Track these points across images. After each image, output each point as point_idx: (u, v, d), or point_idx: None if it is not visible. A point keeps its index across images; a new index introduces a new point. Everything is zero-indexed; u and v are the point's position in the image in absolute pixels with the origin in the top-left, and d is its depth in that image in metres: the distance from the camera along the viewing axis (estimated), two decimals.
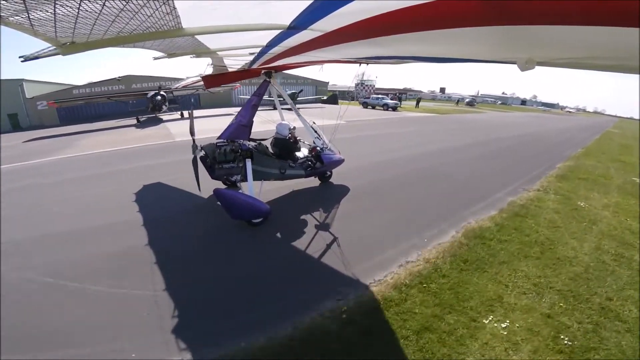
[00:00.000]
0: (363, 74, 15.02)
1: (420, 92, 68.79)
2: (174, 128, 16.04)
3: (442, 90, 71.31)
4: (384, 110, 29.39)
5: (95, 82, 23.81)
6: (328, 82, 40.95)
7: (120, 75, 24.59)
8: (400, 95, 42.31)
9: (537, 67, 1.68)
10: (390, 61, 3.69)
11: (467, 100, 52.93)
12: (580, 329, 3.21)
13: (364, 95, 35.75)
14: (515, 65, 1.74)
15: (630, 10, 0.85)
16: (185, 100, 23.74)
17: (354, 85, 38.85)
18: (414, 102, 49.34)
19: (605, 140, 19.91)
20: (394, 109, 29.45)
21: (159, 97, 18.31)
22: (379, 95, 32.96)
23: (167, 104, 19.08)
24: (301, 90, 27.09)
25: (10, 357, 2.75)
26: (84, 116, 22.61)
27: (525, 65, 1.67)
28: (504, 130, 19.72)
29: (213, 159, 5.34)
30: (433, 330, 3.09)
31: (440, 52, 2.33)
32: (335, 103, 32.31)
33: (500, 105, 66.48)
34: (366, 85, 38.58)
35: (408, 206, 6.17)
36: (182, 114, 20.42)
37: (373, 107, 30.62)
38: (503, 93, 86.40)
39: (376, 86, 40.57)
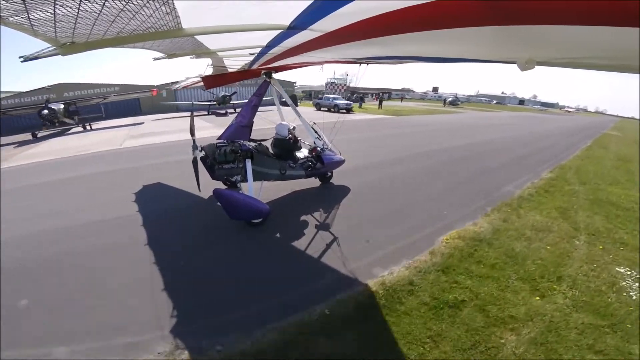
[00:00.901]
0: (334, 73, 14.52)
1: (411, 91, 68.30)
2: (44, 146, 13.28)
3: (435, 89, 70.59)
4: (333, 112, 24.72)
5: (23, 92, 21.57)
6: (295, 82, 37.05)
7: (50, 84, 22.25)
8: (363, 95, 38.45)
9: (538, 67, 1.68)
10: (390, 61, 3.69)
11: (449, 99, 50.49)
12: None
13: (318, 96, 32.26)
14: (516, 65, 1.74)
15: (630, 10, 0.85)
16: (94, 110, 20.36)
17: (324, 84, 35.59)
18: (397, 101, 47.20)
19: (597, 150, 14.50)
20: (348, 110, 25.59)
21: (45, 112, 16.24)
22: (331, 96, 29.22)
23: (58, 117, 16.67)
24: (234, 93, 24.13)
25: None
26: (12, 127, 19.17)
27: (525, 65, 1.67)
28: (464, 136, 15.67)
29: (213, 160, 5.34)
30: None
31: (440, 52, 2.33)
32: (295, 105, 30.05)
33: (495, 105, 65.28)
34: (337, 85, 35.11)
35: None
36: (84, 127, 18.10)
37: (328, 109, 26.10)
38: (502, 93, 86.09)
39: (363, 85, 38.60)
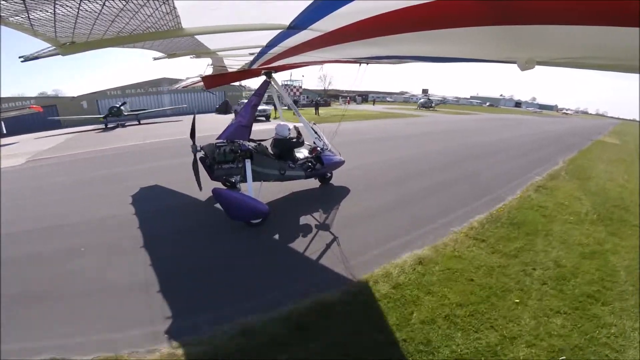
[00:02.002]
0: (291, 74, 13.18)
1: (395, 93, 66.39)
2: None
3: (425, 91, 68.51)
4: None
5: None
6: (245, 86, 33.39)
7: None
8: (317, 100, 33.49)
9: (539, 69, 1.68)
10: (390, 61, 3.70)
11: (420, 101, 44.92)
12: None
13: (238, 102, 28.07)
14: (516, 66, 1.74)
15: (630, 10, 0.85)
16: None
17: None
18: (370, 104, 43.65)
19: (562, 187, 7.68)
20: (267, 117, 22.09)
21: None
22: (243, 100, 25.45)
23: None
24: (124, 103, 21.67)
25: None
26: None
27: (525, 65, 1.67)
28: (374, 154, 10.73)
29: (212, 160, 5.35)
30: None
31: (440, 52, 2.33)
32: (228, 112, 25.59)
33: (485, 108, 62.62)
34: (292, 87, 31.73)
35: None
36: None
37: None
38: (501, 95, 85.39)
39: (344, 88, 34.70)
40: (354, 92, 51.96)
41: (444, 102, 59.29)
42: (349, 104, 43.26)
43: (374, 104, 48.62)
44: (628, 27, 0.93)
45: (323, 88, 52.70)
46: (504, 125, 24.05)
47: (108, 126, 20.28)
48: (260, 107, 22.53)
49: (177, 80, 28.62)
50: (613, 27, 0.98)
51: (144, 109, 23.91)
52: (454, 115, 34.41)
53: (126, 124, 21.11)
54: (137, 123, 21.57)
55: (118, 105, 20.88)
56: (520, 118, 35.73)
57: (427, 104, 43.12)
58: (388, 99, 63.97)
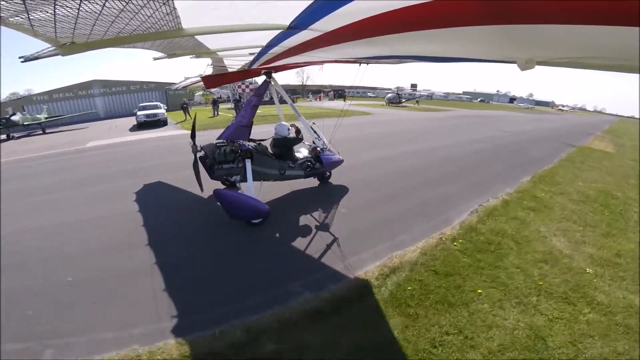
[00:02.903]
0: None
1: (388, 90, 64.56)
2: None
3: (414, 86, 64.93)
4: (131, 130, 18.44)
5: None
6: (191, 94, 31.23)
7: None
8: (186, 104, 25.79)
9: (540, 66, 1.68)
10: (391, 61, 3.69)
11: (388, 96, 38.52)
12: None
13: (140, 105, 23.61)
14: (516, 65, 1.74)
15: (630, 10, 0.85)
16: None
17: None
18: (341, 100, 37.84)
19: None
20: (165, 122, 19.61)
21: None
22: (149, 104, 22.65)
23: None
24: (14, 114, 19.40)
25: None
26: None
27: (526, 65, 1.67)
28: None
29: (213, 159, 5.36)
30: None
31: (440, 51, 2.33)
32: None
33: (478, 103, 59.25)
34: (246, 84, 27.40)
35: None
36: None
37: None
38: (497, 91, 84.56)
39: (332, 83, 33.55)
40: (331, 86, 50.50)
41: (430, 97, 55.92)
42: (320, 100, 41.08)
43: (344, 100, 42.44)
44: (628, 27, 0.93)
45: (301, 83, 51.74)
46: (473, 124, 19.97)
47: (10, 137, 18.56)
48: (149, 112, 19.53)
49: (108, 82, 28.16)
50: (613, 27, 0.98)
51: (61, 115, 22.73)
52: (426, 112, 28.95)
53: (32, 134, 19.61)
54: (42, 132, 19.93)
55: (7, 116, 18.75)
56: (504, 115, 31.36)
57: (395, 99, 37.14)
58: (369, 94, 61.12)
